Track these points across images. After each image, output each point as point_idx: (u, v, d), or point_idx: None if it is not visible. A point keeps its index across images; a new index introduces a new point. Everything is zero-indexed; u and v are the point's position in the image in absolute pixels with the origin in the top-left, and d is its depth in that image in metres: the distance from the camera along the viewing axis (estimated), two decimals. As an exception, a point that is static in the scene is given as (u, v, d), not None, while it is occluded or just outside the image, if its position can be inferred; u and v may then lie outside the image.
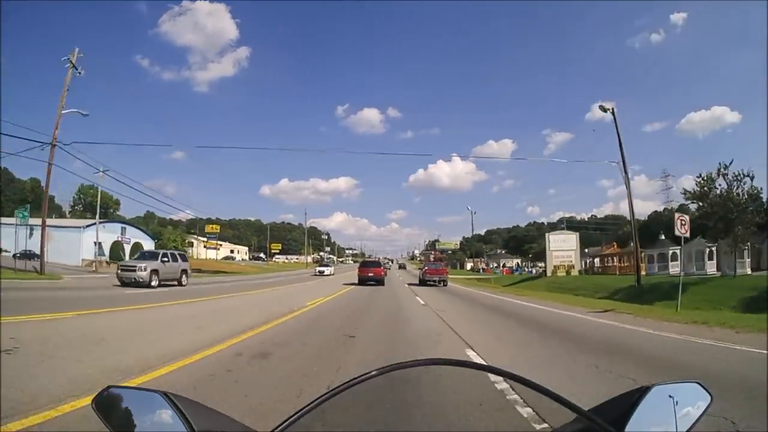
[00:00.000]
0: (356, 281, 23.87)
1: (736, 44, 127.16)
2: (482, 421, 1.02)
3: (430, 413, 0.93)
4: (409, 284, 25.84)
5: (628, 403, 0.74)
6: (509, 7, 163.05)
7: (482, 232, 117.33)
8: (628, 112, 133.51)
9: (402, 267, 79.03)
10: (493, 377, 0.87)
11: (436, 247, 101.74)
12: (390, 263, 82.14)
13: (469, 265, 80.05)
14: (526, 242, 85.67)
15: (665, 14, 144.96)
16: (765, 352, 5.40)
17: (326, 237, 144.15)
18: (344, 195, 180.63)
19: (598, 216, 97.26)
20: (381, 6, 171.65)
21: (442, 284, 24.92)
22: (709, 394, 0.80)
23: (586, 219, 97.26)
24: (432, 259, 58.12)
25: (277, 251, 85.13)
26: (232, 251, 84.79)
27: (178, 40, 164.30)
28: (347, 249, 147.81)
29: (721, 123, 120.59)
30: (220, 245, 79.49)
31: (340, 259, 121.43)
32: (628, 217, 27.01)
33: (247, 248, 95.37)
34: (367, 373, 0.72)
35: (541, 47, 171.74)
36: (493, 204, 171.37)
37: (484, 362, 2.21)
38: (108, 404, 0.73)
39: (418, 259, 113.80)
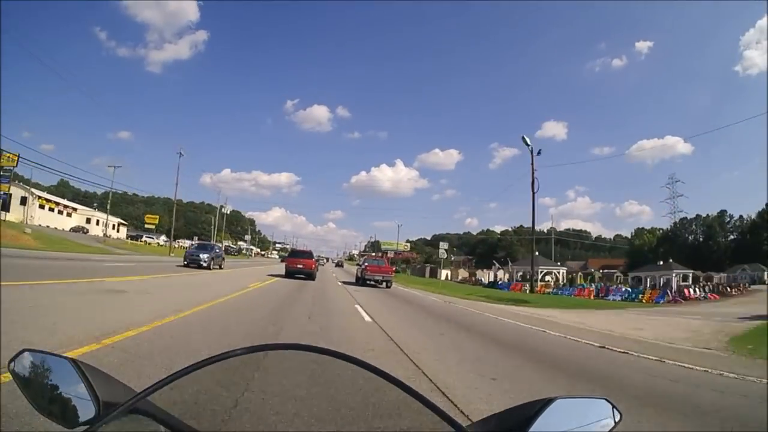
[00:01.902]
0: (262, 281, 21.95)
1: (697, 78, 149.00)
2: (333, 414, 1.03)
3: (288, 398, 1.00)
4: (344, 282, 24.57)
5: (526, 415, 0.77)
6: (472, 15, 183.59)
7: (428, 237, 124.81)
8: (580, 133, 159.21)
9: (339, 265, 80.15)
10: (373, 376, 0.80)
11: (381, 247, 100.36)
12: (325, 261, 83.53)
13: (444, 274, 55.60)
14: (498, 248, 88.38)
15: (631, 41, 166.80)
16: None
17: (251, 226, 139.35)
18: (284, 190, 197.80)
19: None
20: (342, 2, 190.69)
21: (385, 285, 23.80)
22: (618, 411, 0.83)
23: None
24: (375, 255, 54.27)
25: (153, 225, 69.06)
26: (88, 220, 70.16)
27: (138, 15, 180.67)
28: (278, 243, 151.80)
29: (672, 152, 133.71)
30: (74, 210, 68.90)
31: (259, 252, 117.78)
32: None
33: (122, 222, 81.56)
34: (232, 350, 0.80)
35: (498, 61, 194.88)
36: (431, 212, 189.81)
37: None
38: (23, 367, 0.85)
39: (356, 260, 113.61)
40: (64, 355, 0.87)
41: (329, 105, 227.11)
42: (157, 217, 61.79)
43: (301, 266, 23.38)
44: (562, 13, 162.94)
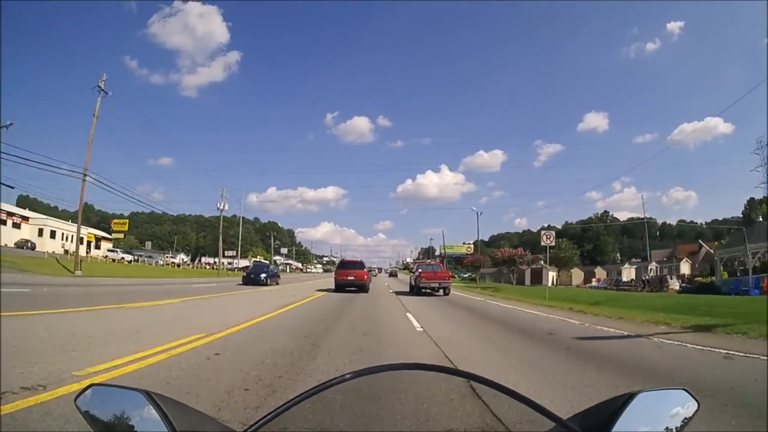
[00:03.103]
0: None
1: (731, 54, 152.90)
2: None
3: (401, 419, 1.09)
4: (397, 292, 24.73)
5: (611, 409, 0.86)
6: (503, 16, 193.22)
7: (486, 238, 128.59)
8: (621, 122, 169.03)
9: (393, 275, 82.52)
10: (476, 386, 0.97)
11: (443, 251, 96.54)
12: (377, 271, 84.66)
13: (550, 277, 56.15)
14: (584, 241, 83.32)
15: (661, 23, 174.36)
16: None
17: (291, 238, 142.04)
18: (332, 204, 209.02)
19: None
20: (374, 10, 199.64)
21: (442, 292, 23.54)
22: (696, 400, 0.92)
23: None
24: (430, 261, 48.73)
25: (121, 233, 55.52)
26: (41, 231, 59.89)
27: (167, 42, 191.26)
28: (324, 257, 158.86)
29: (713, 134, 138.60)
30: (23, 219, 59.40)
31: (299, 267, 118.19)
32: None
33: (105, 236, 69.64)
34: (342, 376, 0.90)
35: (534, 56, 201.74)
36: (482, 215, 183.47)
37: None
38: (90, 402, 0.87)
39: (411, 268, 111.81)
40: (136, 387, 0.88)
41: (370, 115, 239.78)
42: (126, 221, 54.07)
43: (352, 278, 23.27)
44: (592, 2, 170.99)
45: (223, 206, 59.10)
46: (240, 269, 69.38)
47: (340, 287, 22.89)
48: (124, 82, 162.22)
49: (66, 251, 52.21)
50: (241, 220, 78.72)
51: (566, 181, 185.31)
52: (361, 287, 22.98)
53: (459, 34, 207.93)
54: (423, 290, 23.39)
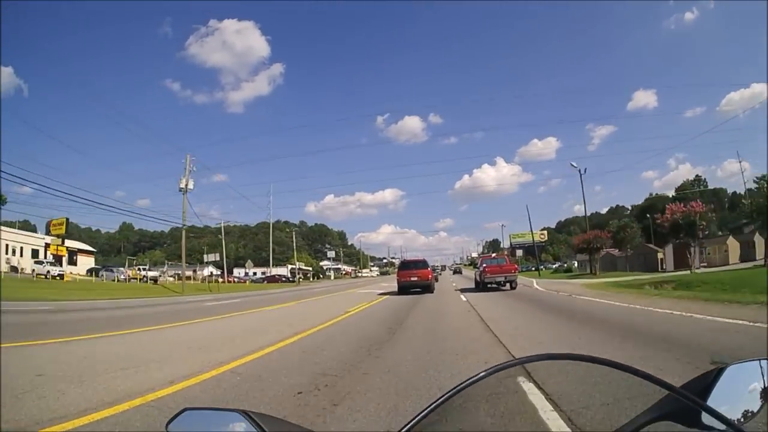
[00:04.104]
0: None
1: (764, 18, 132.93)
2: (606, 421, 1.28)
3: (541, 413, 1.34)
4: (462, 290, 25.07)
5: (704, 383, 0.98)
6: (541, 8, 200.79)
7: (552, 225, 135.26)
8: (669, 98, 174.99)
9: (457, 272, 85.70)
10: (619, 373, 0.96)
11: (510, 241, 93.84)
12: (440, 270, 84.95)
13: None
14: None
15: None
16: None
17: (343, 241, 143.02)
18: (390, 206, 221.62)
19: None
20: (414, 8, 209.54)
21: (509, 286, 24.22)
22: None
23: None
24: (494, 255, 44.60)
25: (58, 235, 50.16)
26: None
27: (207, 61, 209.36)
28: (382, 258, 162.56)
29: (761, 99, 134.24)
30: None
31: (349, 272, 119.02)
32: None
33: (89, 250, 70.53)
34: (477, 375, 0.96)
35: (577, 39, 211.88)
36: (540, 204, 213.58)
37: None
38: (184, 426, 0.91)
39: (476, 263, 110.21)
40: (232, 408, 0.92)
41: (420, 114, 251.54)
42: (64, 221, 50.24)
43: (415, 278, 23.74)
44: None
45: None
46: (257, 280, 67.31)
47: (404, 289, 23.42)
48: (168, 103, 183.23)
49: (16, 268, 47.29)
50: (271, 225, 78.44)
51: (621, 162, 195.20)
52: (426, 287, 23.36)
53: (501, 24, 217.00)
54: (489, 285, 23.84)
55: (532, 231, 70.38)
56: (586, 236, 45.00)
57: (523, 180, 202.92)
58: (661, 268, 48.05)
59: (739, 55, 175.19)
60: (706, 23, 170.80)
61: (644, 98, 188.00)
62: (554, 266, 79.60)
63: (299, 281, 69.26)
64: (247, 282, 66.32)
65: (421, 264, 25.72)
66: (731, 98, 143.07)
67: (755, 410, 0.94)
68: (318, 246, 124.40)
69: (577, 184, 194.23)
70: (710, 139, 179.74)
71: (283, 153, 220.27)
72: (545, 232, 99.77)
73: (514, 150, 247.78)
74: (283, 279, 69.73)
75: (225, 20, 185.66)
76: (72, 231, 71.75)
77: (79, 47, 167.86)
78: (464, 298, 18.49)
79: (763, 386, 0.97)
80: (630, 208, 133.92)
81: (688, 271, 30.01)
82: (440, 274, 56.33)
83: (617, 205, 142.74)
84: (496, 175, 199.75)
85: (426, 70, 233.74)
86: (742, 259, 44.55)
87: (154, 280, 52.42)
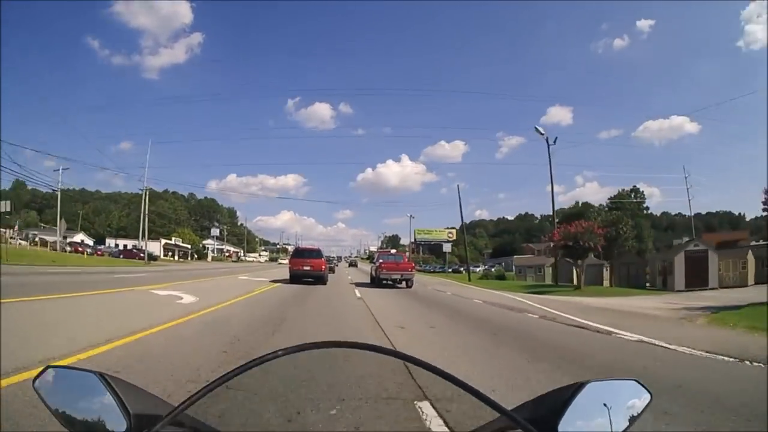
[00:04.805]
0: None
1: (699, 56, 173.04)
2: (379, 412, 1.48)
3: (332, 396, 1.26)
4: (356, 284, 25.13)
5: (560, 399, 0.91)
6: (472, 7, 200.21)
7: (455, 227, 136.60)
8: (586, 117, 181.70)
9: (353, 264, 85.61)
10: (414, 368, 1.03)
11: (414, 236, 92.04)
12: (337, 261, 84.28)
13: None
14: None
15: (632, 20, 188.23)
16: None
17: (233, 219, 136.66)
18: (292, 192, 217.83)
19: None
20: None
21: (405, 284, 24.20)
22: (648, 392, 0.97)
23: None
24: (393, 251, 41.11)
25: None
26: None
27: (131, 21, 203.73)
28: (275, 243, 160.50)
29: (678, 132, 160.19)
30: None
31: (235, 254, 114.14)
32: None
33: None
34: (274, 352, 0.93)
35: (501, 50, 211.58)
36: (441, 206, 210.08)
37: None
38: (47, 384, 0.95)
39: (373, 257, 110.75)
40: (90, 369, 0.94)
41: (331, 102, 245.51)
42: None
43: (308, 268, 23.42)
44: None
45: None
46: (114, 253, 59.97)
47: (296, 278, 23.13)
48: (86, 62, 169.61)
49: None
50: (146, 194, 63.15)
51: (528, 173, 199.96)
52: (319, 278, 23.22)
53: (424, 25, 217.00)
54: (384, 282, 24.01)
55: (462, 217, 60.41)
56: (576, 229, 28.30)
57: (427, 179, 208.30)
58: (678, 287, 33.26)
59: (663, 86, 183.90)
60: (635, 52, 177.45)
61: (559, 114, 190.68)
62: (479, 269, 70.99)
63: (147, 260, 55.71)
64: (86, 254, 55.67)
65: (316, 253, 25.61)
66: (648, 126, 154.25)
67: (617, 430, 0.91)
68: (206, 223, 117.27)
69: (477, 189, 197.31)
70: (622, 161, 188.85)
71: (188, 128, 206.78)
72: (453, 230, 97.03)
73: (420, 149, 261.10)
74: (141, 256, 58.43)
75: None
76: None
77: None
78: (358, 294, 17.92)
79: (631, 410, 0.93)
80: (539, 216, 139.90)
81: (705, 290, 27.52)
82: (336, 266, 56.44)
83: (526, 213, 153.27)
84: (399, 171, 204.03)
85: (342, 56, 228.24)
86: (757, 280, 34.36)
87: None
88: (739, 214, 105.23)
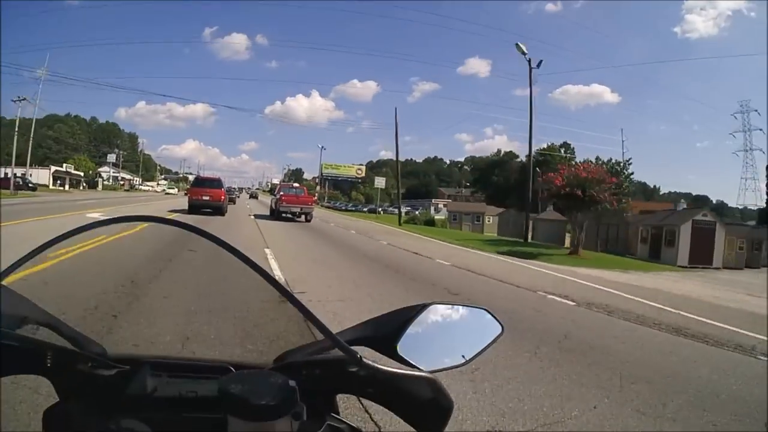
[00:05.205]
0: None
1: (632, 33, 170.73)
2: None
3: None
4: (256, 216, 25.32)
5: (402, 319, 0.87)
6: None
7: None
8: (505, 71, 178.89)
9: (253, 196, 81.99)
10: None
11: (321, 171, 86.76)
12: (238, 193, 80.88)
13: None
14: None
15: None
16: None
17: (133, 145, 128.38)
18: (199, 122, 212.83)
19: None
20: None
21: (304, 218, 24.70)
22: (500, 323, 0.96)
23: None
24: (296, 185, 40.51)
25: None
26: None
27: None
28: (176, 172, 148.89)
29: (597, 100, 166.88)
30: None
31: (126, 179, 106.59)
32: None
33: None
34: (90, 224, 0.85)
35: None
36: (346, 144, 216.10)
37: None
38: None
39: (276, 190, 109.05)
40: None
41: (249, 33, 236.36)
42: None
43: (207, 198, 22.96)
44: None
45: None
46: None
47: (194, 208, 22.75)
48: None
49: None
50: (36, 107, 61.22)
51: (438, 120, 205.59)
52: (218, 209, 23.01)
53: None
54: (283, 214, 24.05)
55: (397, 150, 50.81)
56: (587, 174, 21.71)
57: (335, 116, 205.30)
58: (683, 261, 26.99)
59: (590, 54, 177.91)
60: (565, 18, 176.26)
61: (477, 65, 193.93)
62: (397, 210, 46.44)
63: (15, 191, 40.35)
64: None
65: (216, 183, 24.98)
66: (567, 89, 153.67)
67: (467, 355, 0.89)
68: (106, 149, 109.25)
69: (384, 131, 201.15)
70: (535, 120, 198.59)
71: (104, 50, 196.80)
72: (363, 167, 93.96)
73: (331, 86, 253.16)
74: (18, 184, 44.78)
75: None
76: None
77: None
78: (257, 227, 18.54)
79: (479, 338, 0.92)
80: (448, 162, 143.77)
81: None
82: (238, 197, 55.69)
83: (435, 156, 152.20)
84: (309, 106, 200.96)
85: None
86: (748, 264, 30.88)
87: None
88: (654, 186, 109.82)
